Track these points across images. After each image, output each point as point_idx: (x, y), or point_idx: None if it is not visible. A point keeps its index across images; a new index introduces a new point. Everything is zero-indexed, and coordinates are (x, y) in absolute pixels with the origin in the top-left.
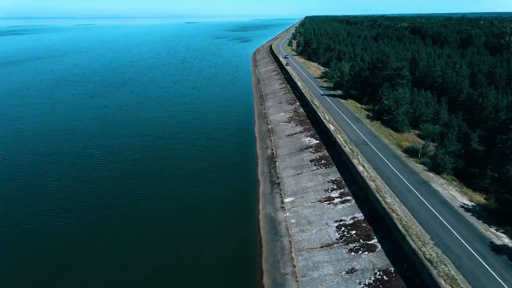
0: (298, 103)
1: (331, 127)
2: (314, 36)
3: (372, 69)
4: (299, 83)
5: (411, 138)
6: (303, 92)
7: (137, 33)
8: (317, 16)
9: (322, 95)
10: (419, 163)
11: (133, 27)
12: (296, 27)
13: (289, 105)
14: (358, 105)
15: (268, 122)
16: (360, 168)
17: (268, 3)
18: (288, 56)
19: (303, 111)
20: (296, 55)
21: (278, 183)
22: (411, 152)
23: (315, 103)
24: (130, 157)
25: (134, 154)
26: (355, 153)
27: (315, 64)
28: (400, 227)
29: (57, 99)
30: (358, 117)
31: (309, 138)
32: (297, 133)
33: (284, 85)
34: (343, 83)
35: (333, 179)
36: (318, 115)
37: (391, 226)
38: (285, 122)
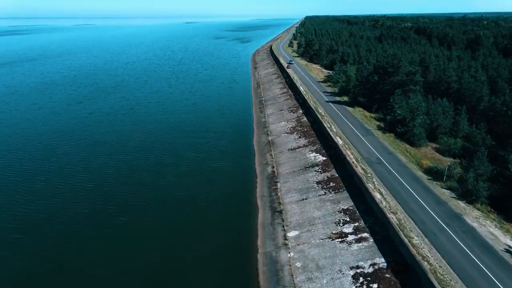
0: (300, 111)
1: (339, 141)
2: (315, 37)
3: (382, 74)
4: (301, 88)
5: (429, 154)
6: (306, 98)
7: (136, 33)
8: (317, 16)
9: (327, 101)
10: (445, 188)
11: (133, 27)
12: (296, 27)
13: (291, 113)
14: (367, 113)
15: (268, 132)
16: (377, 196)
17: (268, 3)
18: (293, 62)
19: (307, 120)
20: (297, 56)
21: (280, 211)
22: (433, 173)
23: (320, 111)
24: (107, 177)
25: (113, 174)
26: (369, 175)
27: (317, 66)
28: (435, 283)
29: (42, 105)
30: (368, 129)
31: (314, 154)
32: (301, 147)
33: (285, 90)
34: (349, 88)
35: (345, 208)
36: (323, 126)
37: (424, 281)
38: (287, 133)
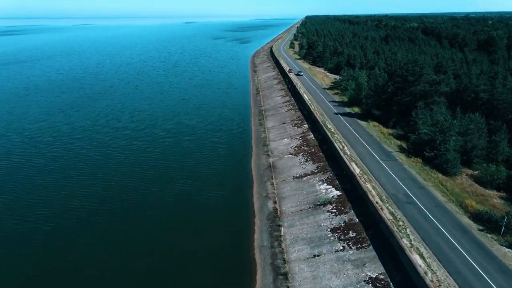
0: (306, 125)
1: (356, 170)
2: (317, 37)
3: (400, 82)
4: (305, 97)
5: (468, 186)
6: (311, 109)
7: (134, 33)
8: (317, 16)
9: (336, 113)
10: (506, 246)
11: (131, 27)
12: (297, 27)
13: (295, 127)
14: (383, 129)
15: (269, 152)
16: (418, 261)
17: (268, 3)
18: (302, 73)
19: (314, 137)
20: (299, 59)
21: (285, 274)
22: (484, 221)
23: (329, 126)
24: (77, 205)
25: (85, 202)
26: (401, 223)
27: (321, 70)
28: None
29: (19, 114)
30: (388, 151)
31: (325, 186)
32: (308, 174)
33: (287, 98)
34: (360, 98)
35: (373, 276)
36: (335, 147)
37: None
38: (291, 154)
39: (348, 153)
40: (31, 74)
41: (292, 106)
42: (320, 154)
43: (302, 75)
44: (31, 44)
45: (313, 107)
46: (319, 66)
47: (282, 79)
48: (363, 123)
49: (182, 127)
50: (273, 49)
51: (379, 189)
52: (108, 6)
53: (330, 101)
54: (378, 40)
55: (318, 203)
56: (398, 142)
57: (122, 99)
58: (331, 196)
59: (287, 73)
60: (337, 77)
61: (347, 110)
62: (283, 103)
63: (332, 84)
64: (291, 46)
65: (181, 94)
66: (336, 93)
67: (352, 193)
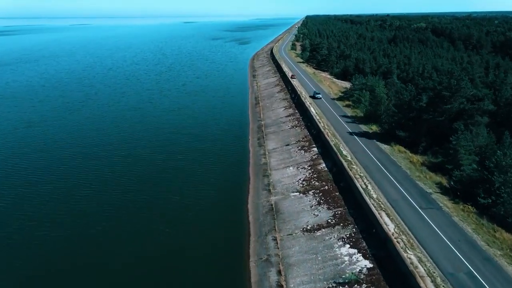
0: (315, 149)
1: (390, 227)
2: (320, 38)
3: (432, 97)
4: (312, 110)
5: None
6: (321, 128)
7: (131, 33)
8: (317, 16)
9: (351, 133)
10: None
11: (129, 27)
12: (298, 27)
13: (302, 151)
14: (413, 157)
15: (271, 187)
16: None
17: (268, 2)
18: (320, 95)
19: (326, 168)
20: (302, 62)
21: None
22: None
23: (344, 152)
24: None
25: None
26: None
27: (327, 75)
28: None
29: None
30: (426, 191)
31: (349, 249)
32: (323, 226)
33: (291, 110)
34: (378, 113)
35: None
36: (355, 185)
37: None
38: (299, 192)
39: (374, 195)
40: (11, 79)
41: (297, 122)
42: (336, 194)
43: (320, 97)
44: (19, 45)
45: (322, 124)
46: (324, 71)
47: (284, 86)
48: (385, 147)
49: (163, 156)
50: (274, 51)
51: (429, 263)
52: (108, 6)
53: (341, 116)
54: (385, 42)
55: (341, 281)
56: (435, 177)
57: (104, 109)
58: (358, 270)
59: (290, 79)
60: (346, 83)
61: (363, 128)
62: (286, 116)
63: (341, 94)
64: (293, 47)
65: (171, 104)
66: (347, 105)
67: (390, 267)
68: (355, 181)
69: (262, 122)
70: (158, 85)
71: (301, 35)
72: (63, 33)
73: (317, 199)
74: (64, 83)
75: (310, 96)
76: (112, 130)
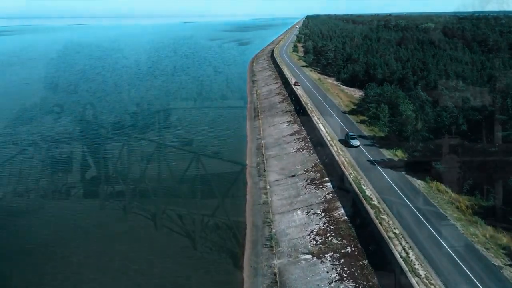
0: (329, 184)
1: None
2: (323, 39)
3: (480, 121)
4: (322, 129)
5: None
6: (335, 156)
7: (129, 34)
8: (318, 15)
9: (372, 162)
10: None
11: (128, 27)
12: (299, 27)
13: (312, 187)
14: (460, 200)
15: (274, 243)
16: None
17: (268, 3)
18: (357, 142)
19: (346, 215)
20: (306, 66)
21: None
22: None
23: (367, 193)
24: None
25: None
26: None
27: (334, 81)
28: None
29: None
30: (492, 263)
31: None
32: None
33: (296, 127)
34: (405, 134)
35: None
36: (390, 251)
37: None
38: (312, 254)
39: (421, 272)
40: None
41: (303, 142)
42: (364, 263)
43: (358, 145)
44: (6, 47)
45: (335, 148)
46: (329, 76)
47: (286, 95)
48: (419, 183)
49: (140, 188)
50: (275, 53)
51: None
52: (108, 6)
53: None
54: (394, 43)
55: None
56: (496, 233)
57: (76, 126)
58: None
59: (293, 86)
60: (355, 91)
61: (386, 154)
62: (291, 135)
63: (354, 106)
64: (295, 49)
65: (158, 119)
66: (362, 121)
67: None
68: (390, 244)
69: (262, 142)
70: (149, 92)
71: (303, 36)
72: (59, 34)
73: (338, 269)
74: (39, 92)
75: (341, 141)
76: (62, 165)
